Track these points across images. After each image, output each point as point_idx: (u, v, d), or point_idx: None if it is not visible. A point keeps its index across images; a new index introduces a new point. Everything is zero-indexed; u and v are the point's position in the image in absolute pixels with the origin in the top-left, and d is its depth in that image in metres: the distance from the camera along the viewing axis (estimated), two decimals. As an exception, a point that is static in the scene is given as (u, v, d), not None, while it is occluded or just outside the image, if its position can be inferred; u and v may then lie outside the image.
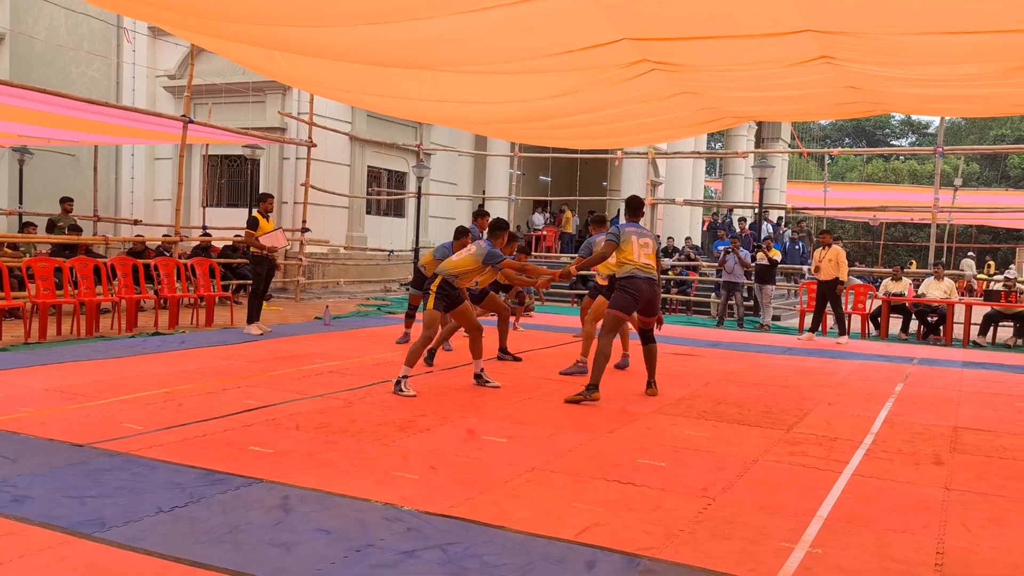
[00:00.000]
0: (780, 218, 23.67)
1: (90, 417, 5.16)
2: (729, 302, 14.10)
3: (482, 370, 6.90)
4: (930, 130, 52.91)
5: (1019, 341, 12.37)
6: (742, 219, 20.76)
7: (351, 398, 6.11)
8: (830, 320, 12.88)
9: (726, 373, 8.24)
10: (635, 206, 6.77)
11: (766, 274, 13.46)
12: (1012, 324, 12.55)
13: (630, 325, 7.44)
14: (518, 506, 3.77)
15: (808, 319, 12.84)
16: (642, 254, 6.42)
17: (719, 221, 22.90)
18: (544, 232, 22.50)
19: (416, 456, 4.56)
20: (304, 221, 15.51)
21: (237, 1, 5.59)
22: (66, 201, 13.36)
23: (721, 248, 16.11)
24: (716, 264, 15.36)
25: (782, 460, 4.81)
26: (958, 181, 26.87)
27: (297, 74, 8.07)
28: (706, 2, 5.05)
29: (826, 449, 5.11)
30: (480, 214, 9.08)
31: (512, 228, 8.82)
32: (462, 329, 7.80)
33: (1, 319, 8.52)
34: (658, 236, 9.57)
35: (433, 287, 6.52)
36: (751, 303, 14.74)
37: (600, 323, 7.40)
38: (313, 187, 15.52)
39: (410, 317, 9.44)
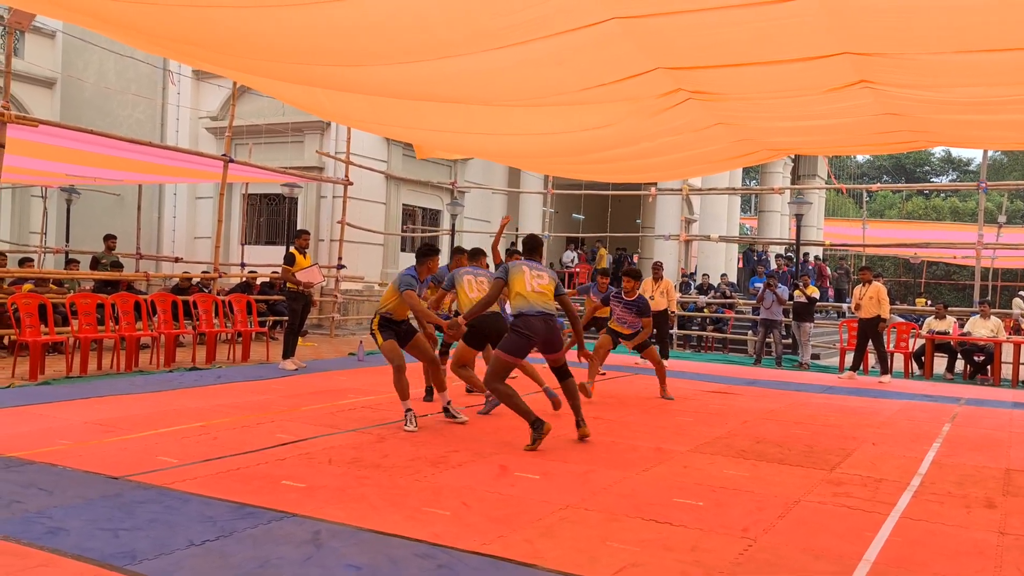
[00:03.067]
0: (816, 256, 23.31)
1: (127, 450, 5.19)
2: (767, 340, 13.87)
3: (449, 402, 6.74)
4: (971, 167, 52.11)
5: (1071, 381, 11.95)
6: (779, 256, 20.53)
7: (384, 433, 6.08)
8: (871, 359, 12.59)
9: (765, 411, 8.06)
10: (531, 246, 6.23)
11: (804, 311, 13.24)
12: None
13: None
14: (551, 545, 3.69)
15: (848, 357, 12.57)
16: (535, 284, 5.90)
17: (755, 258, 22.67)
18: (577, 269, 22.45)
19: (448, 492, 4.50)
20: (340, 258, 15.66)
21: (279, 43, 5.72)
22: (110, 239, 13.67)
23: (758, 285, 15.92)
24: (753, 302, 15.15)
25: (825, 501, 4.65)
26: (1002, 218, 26.32)
27: (336, 109, 8.22)
28: (738, 28, 5.00)
29: (871, 490, 4.94)
30: (458, 251, 8.29)
31: (545, 264, 8.73)
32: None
33: (44, 353, 8.67)
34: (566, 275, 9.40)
35: (374, 326, 6.48)
36: (789, 341, 14.49)
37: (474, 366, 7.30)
38: (349, 224, 15.70)
39: (443, 355, 9.34)
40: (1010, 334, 13.42)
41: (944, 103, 6.51)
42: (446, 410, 6.74)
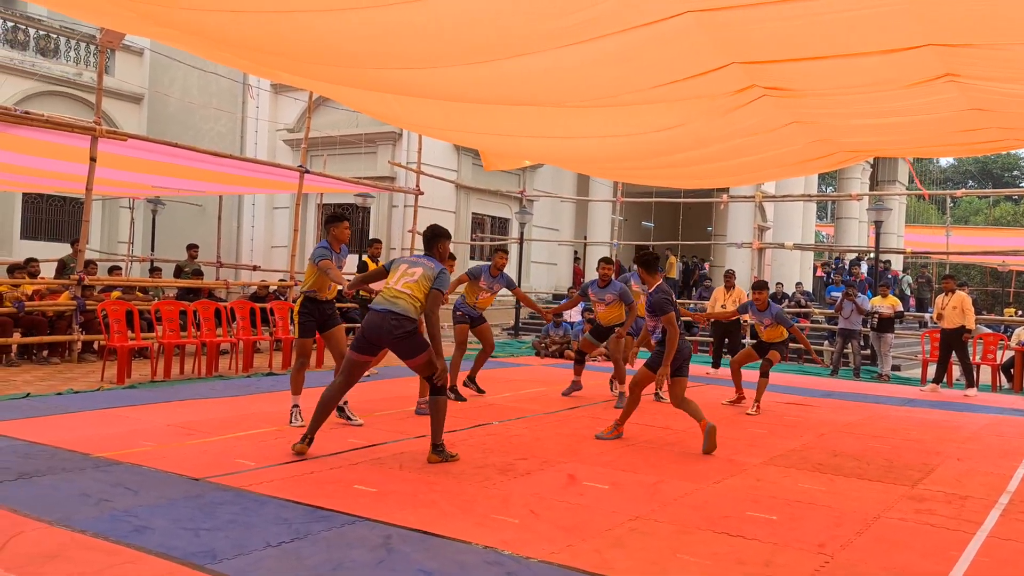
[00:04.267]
0: (887, 262, 22.49)
1: (207, 452, 5.38)
2: (845, 350, 13.45)
3: (345, 403, 6.54)
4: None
5: None
6: (853, 262, 19.92)
7: (453, 439, 6.12)
8: (956, 371, 12.09)
9: (842, 424, 7.82)
10: (426, 237, 5.64)
11: (886, 322, 12.81)
12: None
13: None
14: (621, 555, 3.66)
15: (931, 369, 12.09)
16: (401, 281, 5.31)
17: (834, 267, 22.04)
18: (647, 277, 22.22)
19: (517, 500, 4.51)
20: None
21: (354, 48, 5.86)
22: (192, 248, 14.21)
23: (836, 294, 15.47)
24: (832, 311, 14.72)
25: (907, 518, 4.48)
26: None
27: (409, 116, 8.37)
28: (816, 19, 4.86)
29: (956, 508, 4.74)
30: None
31: (613, 275, 8.65)
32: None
33: (131, 358, 9.06)
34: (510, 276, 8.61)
35: (295, 310, 6.47)
36: (868, 352, 14.02)
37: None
38: (420, 234, 15.92)
39: (580, 363, 9.16)
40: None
41: None
42: (340, 410, 6.54)
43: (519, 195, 19.05)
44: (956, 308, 11.04)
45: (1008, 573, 3.65)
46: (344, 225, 6.44)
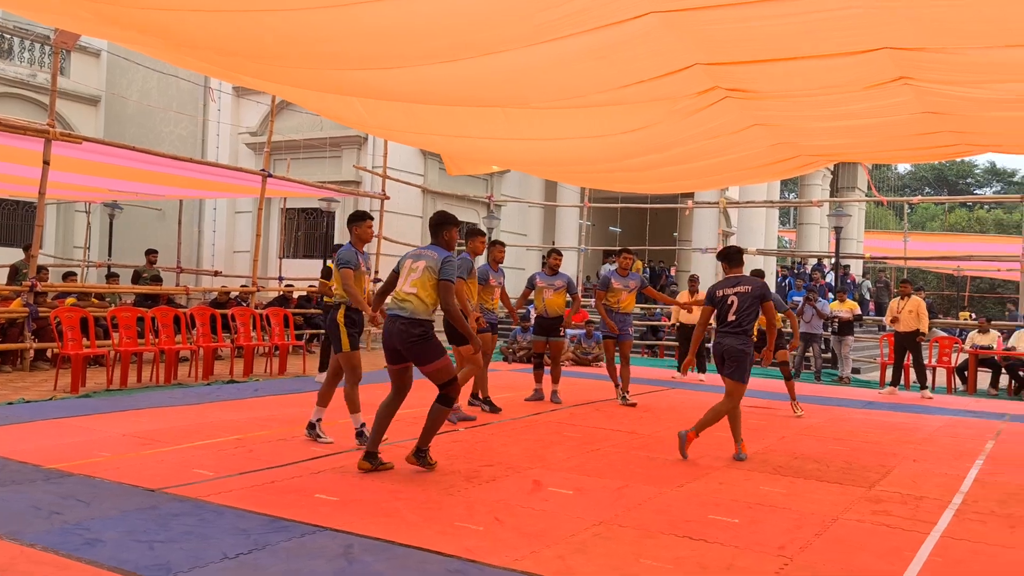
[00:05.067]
0: (847, 266, 22.88)
1: (163, 462, 5.27)
2: (807, 354, 13.65)
3: (319, 420, 6.24)
4: (1016, 178, 50.96)
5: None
6: (815, 267, 20.23)
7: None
8: (912, 374, 12.33)
9: (803, 427, 7.92)
10: (431, 224, 5.38)
11: (845, 326, 13.02)
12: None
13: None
14: (584, 561, 3.66)
15: (890, 372, 12.32)
16: (407, 281, 5.10)
17: (795, 272, 22.36)
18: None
19: (481, 507, 4.49)
20: (377, 272, 15.79)
21: (317, 49, 5.80)
22: (151, 253, 13.97)
23: (797, 299, 15.69)
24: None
25: (864, 519, 4.55)
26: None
27: (374, 120, 8.30)
28: (775, 21, 4.93)
29: (912, 508, 4.82)
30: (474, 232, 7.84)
31: (581, 279, 8.68)
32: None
33: (85, 366, 8.86)
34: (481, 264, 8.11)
35: (340, 320, 6.04)
36: (829, 355, 14.24)
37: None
38: (386, 238, 15.84)
39: (539, 369, 9.12)
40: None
41: (987, 100, 6.34)
42: (311, 427, 6.21)
43: (487, 200, 19.05)
44: (912, 312, 11.26)
45: (960, 572, 3.72)
46: (368, 224, 6.09)
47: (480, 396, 7.97)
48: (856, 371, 14.41)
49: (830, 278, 18.46)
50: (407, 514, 4.28)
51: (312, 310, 14.42)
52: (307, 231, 18.98)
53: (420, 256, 5.18)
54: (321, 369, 9.99)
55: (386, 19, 5.11)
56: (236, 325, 10.82)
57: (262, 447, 5.86)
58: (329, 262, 10.31)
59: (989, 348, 12.43)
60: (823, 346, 13.75)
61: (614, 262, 8.83)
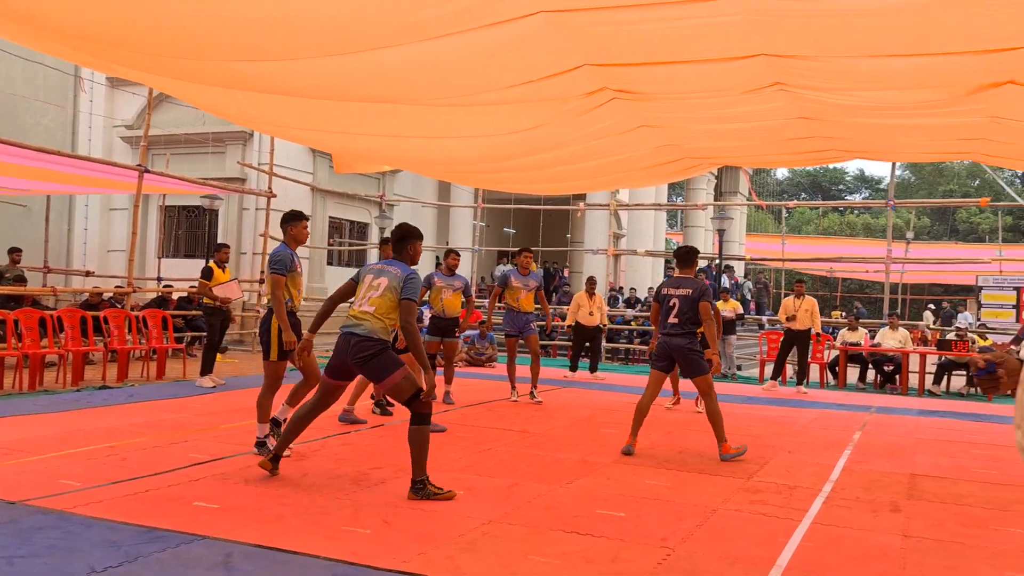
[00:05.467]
0: (730, 268, 23.97)
1: (25, 473, 4.92)
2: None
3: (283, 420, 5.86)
4: (882, 185, 54.53)
5: (972, 390, 12.55)
6: (702, 271, 21.01)
7: (304, 451, 5.92)
8: (789, 369, 12.96)
9: (687, 422, 8.20)
10: (393, 238, 5.09)
11: (728, 325, 13.56)
12: (965, 373, 12.74)
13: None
14: (472, 560, 3.65)
15: (768, 368, 12.91)
16: (365, 299, 4.83)
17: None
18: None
19: (369, 510, 4.41)
20: (263, 272, 15.30)
21: (196, 39, 5.54)
22: (14, 251, 13.03)
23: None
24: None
25: (742, 509, 4.74)
26: (910, 234, 27.62)
27: (258, 115, 8.01)
28: (659, 25, 5.09)
29: (786, 497, 5.07)
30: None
31: (476, 279, 8.75)
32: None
33: (-61, 372, 8.18)
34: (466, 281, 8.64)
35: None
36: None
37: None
38: (272, 238, 15.34)
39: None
40: (917, 345, 14.02)
41: (852, 107, 6.77)
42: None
43: (379, 199, 18.79)
44: (807, 311, 11.83)
45: (828, 555, 3.93)
46: (304, 224, 5.88)
47: (373, 397, 7.86)
48: (739, 368, 15.04)
49: (725, 281, 19.20)
50: (291, 519, 4.16)
51: (193, 312, 13.82)
52: (188, 230, 18.17)
53: (382, 273, 4.89)
54: (203, 372, 9.60)
55: (274, 9, 4.94)
56: (109, 328, 10.24)
57: (136, 455, 5.56)
58: (211, 262, 9.92)
59: (857, 344, 13.23)
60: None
61: (509, 263, 8.95)
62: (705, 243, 27.06)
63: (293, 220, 5.88)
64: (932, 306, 29.82)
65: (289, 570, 3.41)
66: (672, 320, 6.32)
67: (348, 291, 5.03)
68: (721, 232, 17.68)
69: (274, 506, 4.40)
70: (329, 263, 19.21)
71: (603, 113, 7.12)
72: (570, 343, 13.70)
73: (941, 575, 3.70)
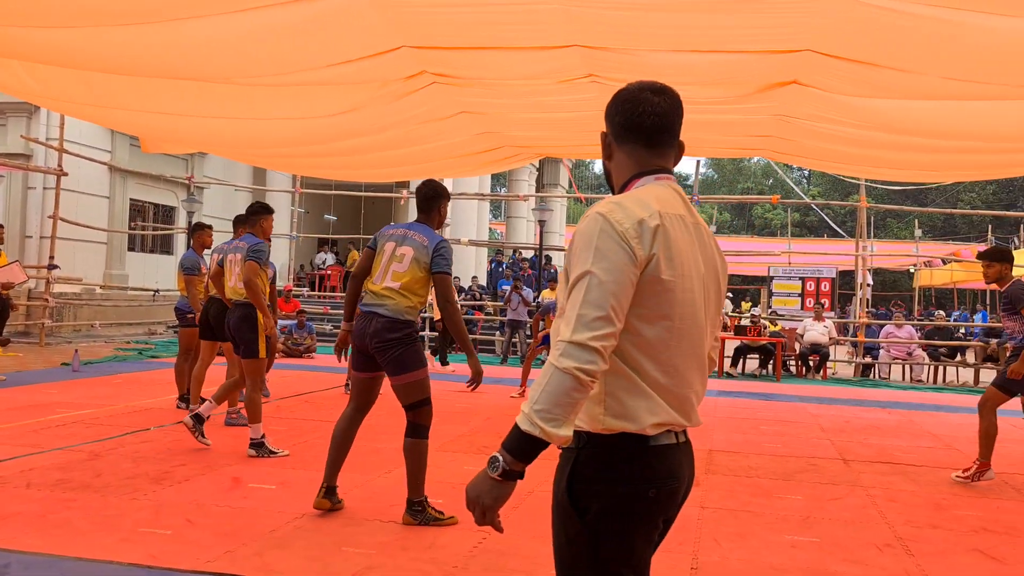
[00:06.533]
0: (550, 257, 24.82)
1: None
2: (513, 340, 14.45)
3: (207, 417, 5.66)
4: (689, 181, 58.43)
5: (764, 371, 13.75)
6: (524, 259, 21.55)
7: (98, 450, 5.47)
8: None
9: (507, 408, 8.37)
10: (421, 197, 4.33)
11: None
12: (757, 356, 13.94)
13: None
14: (283, 556, 3.53)
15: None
16: (387, 275, 4.12)
17: (506, 262, 23.62)
18: (329, 271, 21.94)
19: (171, 510, 4.14)
20: (52, 257, 13.95)
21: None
22: None
23: (506, 287, 16.56)
24: (502, 303, 15.73)
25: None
26: (712, 227, 29.74)
27: (44, 90, 7.23)
28: (475, 10, 5.11)
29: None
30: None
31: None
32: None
33: None
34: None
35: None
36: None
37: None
38: (63, 220, 14.03)
39: None
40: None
41: None
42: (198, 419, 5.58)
43: (187, 181, 17.66)
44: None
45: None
46: (272, 218, 5.98)
47: (180, 393, 7.38)
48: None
49: (550, 274, 19.75)
50: (81, 524, 3.83)
51: None
52: (-37, 209, 16.23)
53: (405, 240, 4.13)
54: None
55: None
56: None
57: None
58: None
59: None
60: (528, 332, 14.65)
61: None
62: (528, 233, 27.73)
63: (264, 212, 5.89)
64: (730, 294, 32.40)
65: (76, 579, 3.14)
66: None
67: (368, 264, 4.25)
68: (542, 223, 18.19)
69: (61, 510, 4.03)
70: (131, 249, 17.87)
71: (422, 97, 7.06)
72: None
73: (732, 542, 4.01)
